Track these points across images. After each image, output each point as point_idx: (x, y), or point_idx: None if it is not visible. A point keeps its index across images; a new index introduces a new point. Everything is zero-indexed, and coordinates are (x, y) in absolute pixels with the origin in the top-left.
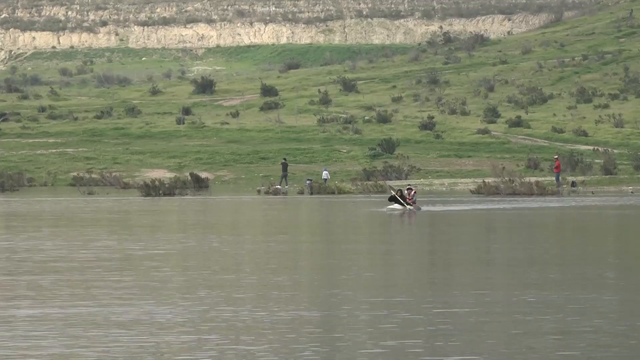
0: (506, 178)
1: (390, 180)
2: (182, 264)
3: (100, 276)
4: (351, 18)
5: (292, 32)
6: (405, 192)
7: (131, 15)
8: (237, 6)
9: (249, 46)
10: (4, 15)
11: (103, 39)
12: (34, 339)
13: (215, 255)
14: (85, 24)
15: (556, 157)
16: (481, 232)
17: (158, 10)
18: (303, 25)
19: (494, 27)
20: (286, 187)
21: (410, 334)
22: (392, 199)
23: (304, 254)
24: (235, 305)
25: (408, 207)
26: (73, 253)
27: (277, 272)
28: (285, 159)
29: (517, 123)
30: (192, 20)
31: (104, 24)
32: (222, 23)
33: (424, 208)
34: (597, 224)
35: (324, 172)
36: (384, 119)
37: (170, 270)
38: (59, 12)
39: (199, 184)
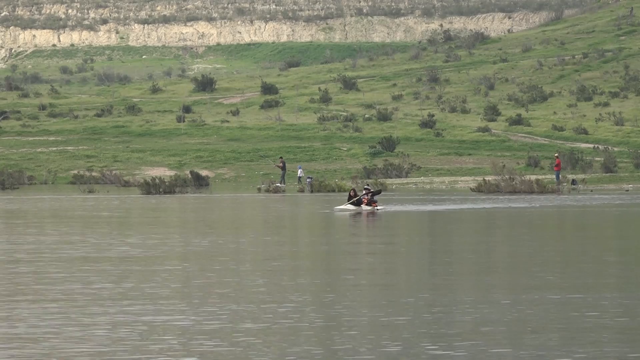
0: (506, 176)
1: (391, 178)
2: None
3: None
4: (351, 16)
5: (293, 30)
6: (363, 192)
7: (131, 13)
8: (237, 4)
9: (249, 44)
10: (4, 13)
11: (103, 37)
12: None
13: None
14: (86, 22)
15: (556, 155)
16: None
17: (158, 8)
18: (303, 23)
19: (494, 25)
20: (283, 185)
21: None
22: (350, 201)
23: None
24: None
25: (365, 207)
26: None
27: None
28: (281, 158)
29: (518, 121)
30: (192, 18)
31: (105, 22)
32: (223, 21)
33: (387, 208)
34: (594, 223)
35: (299, 170)
36: (384, 117)
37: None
38: (60, 10)
39: (199, 182)
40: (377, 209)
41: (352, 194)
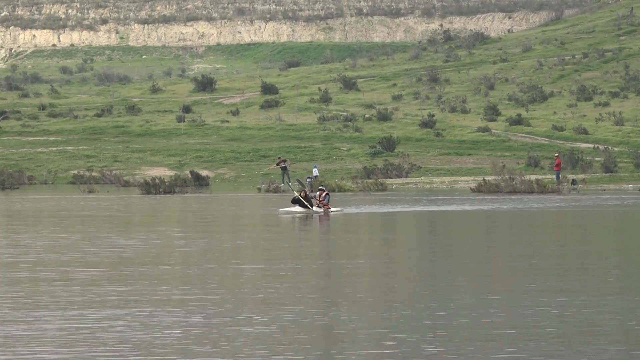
0: (506, 176)
1: (391, 178)
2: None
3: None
4: (351, 16)
5: (293, 30)
6: (317, 193)
7: (131, 13)
8: (237, 4)
9: (249, 44)
10: (4, 13)
11: (103, 37)
12: None
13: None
14: (86, 22)
15: (556, 155)
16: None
17: (158, 8)
18: (303, 23)
19: (494, 25)
20: (289, 184)
21: None
22: (296, 201)
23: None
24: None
25: (316, 209)
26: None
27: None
28: (280, 158)
29: (518, 121)
30: (192, 18)
31: (104, 22)
32: (223, 21)
33: (345, 210)
34: (597, 224)
35: (315, 170)
36: (384, 117)
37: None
38: (59, 10)
39: (199, 182)
40: (331, 211)
41: (302, 194)
